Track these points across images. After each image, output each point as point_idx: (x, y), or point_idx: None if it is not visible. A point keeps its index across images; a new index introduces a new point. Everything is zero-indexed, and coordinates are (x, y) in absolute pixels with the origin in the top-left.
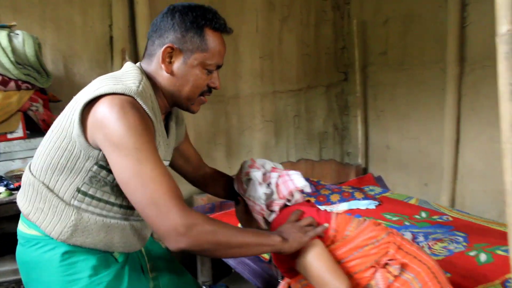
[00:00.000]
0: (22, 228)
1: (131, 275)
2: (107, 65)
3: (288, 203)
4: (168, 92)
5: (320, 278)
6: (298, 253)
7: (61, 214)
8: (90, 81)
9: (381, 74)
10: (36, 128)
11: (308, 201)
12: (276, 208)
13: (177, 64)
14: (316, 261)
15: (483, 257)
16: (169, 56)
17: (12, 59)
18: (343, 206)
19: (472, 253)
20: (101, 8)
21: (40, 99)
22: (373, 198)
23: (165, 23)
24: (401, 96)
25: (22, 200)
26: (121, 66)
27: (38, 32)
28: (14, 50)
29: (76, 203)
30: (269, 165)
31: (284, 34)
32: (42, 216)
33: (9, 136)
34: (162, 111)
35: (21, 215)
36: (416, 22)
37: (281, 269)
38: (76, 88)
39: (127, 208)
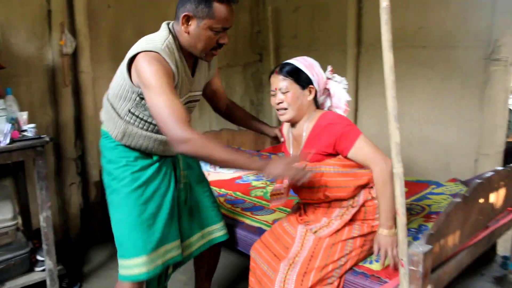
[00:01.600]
0: (102, 127)
1: (160, 168)
2: (45, 38)
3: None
4: (187, 47)
5: (371, 154)
6: (351, 142)
7: (116, 124)
8: (28, 52)
9: (292, 55)
10: None
11: None
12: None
13: (193, 27)
14: (366, 143)
15: None
16: (186, 21)
17: None
18: None
19: None
20: None
21: None
22: None
23: None
24: None
25: (101, 113)
26: (60, 39)
27: None
28: None
29: (127, 118)
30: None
31: None
32: (108, 123)
33: None
34: (187, 58)
35: None
36: (321, 10)
37: (317, 152)
38: (14, 57)
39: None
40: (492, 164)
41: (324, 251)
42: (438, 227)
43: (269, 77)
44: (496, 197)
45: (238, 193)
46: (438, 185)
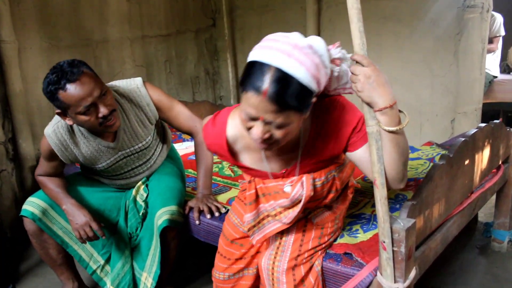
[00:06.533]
0: None
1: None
2: None
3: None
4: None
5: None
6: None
7: None
8: None
9: (247, 17)
10: None
11: None
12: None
13: (70, 118)
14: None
15: None
16: (64, 116)
17: None
18: None
19: None
20: None
21: None
22: None
23: None
24: None
25: None
26: None
27: None
28: None
29: None
30: None
31: None
32: None
33: None
34: (98, 134)
35: None
36: None
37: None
38: None
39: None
40: (471, 123)
41: (316, 230)
42: (421, 195)
43: (242, 83)
44: (481, 158)
45: (190, 170)
46: (413, 149)
